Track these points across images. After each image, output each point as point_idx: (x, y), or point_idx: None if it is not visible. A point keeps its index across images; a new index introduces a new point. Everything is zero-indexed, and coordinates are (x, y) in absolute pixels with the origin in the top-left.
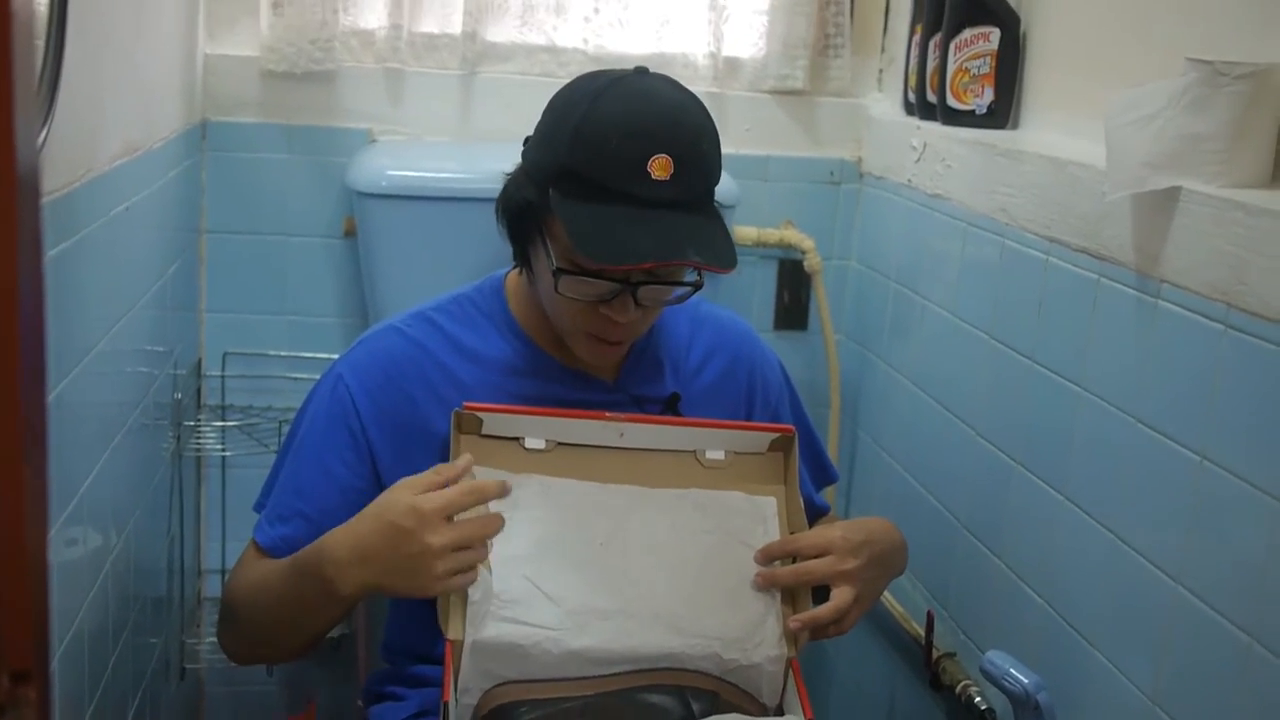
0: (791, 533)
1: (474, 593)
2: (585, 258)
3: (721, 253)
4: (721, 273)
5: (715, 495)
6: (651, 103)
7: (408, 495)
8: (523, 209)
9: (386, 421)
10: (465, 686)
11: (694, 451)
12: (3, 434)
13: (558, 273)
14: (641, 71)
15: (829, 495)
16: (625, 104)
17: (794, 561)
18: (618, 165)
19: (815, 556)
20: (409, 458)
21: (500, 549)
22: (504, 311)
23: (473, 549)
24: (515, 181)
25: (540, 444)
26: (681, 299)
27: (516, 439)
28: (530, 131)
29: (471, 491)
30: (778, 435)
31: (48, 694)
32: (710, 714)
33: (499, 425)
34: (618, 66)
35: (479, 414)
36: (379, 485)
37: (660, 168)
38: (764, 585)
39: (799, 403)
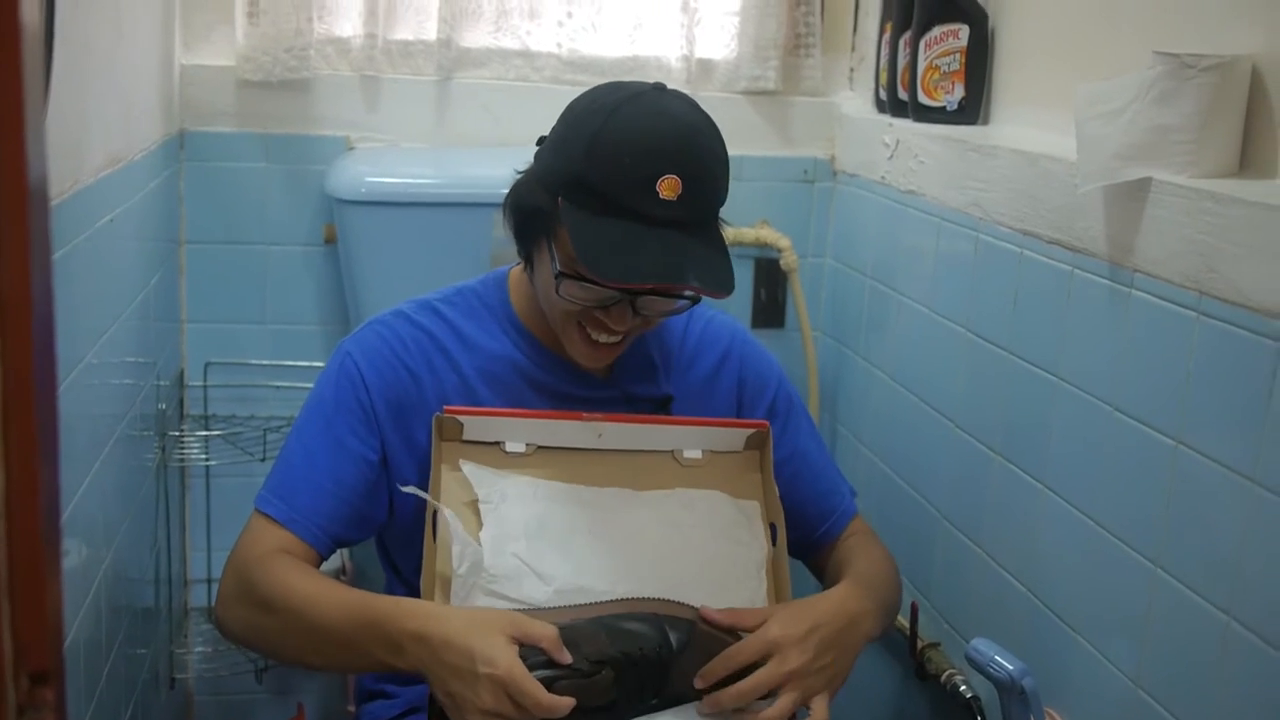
0: (771, 524)
1: (460, 566)
2: (588, 270)
3: (721, 277)
4: (718, 297)
5: (701, 494)
6: (667, 122)
7: (503, 670)
8: (531, 213)
9: (392, 397)
10: None
11: (672, 451)
12: (20, 439)
13: (560, 277)
14: (660, 88)
15: (859, 523)
16: (641, 121)
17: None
18: (628, 182)
19: (757, 659)
20: (410, 436)
21: (491, 530)
22: (505, 305)
23: None
24: (526, 184)
25: (520, 448)
26: (678, 311)
27: (497, 443)
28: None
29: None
30: (754, 431)
31: (64, 696)
32: (686, 644)
33: (479, 430)
34: (626, 79)
35: (459, 418)
36: (386, 458)
37: (669, 188)
38: (711, 712)
39: (804, 421)
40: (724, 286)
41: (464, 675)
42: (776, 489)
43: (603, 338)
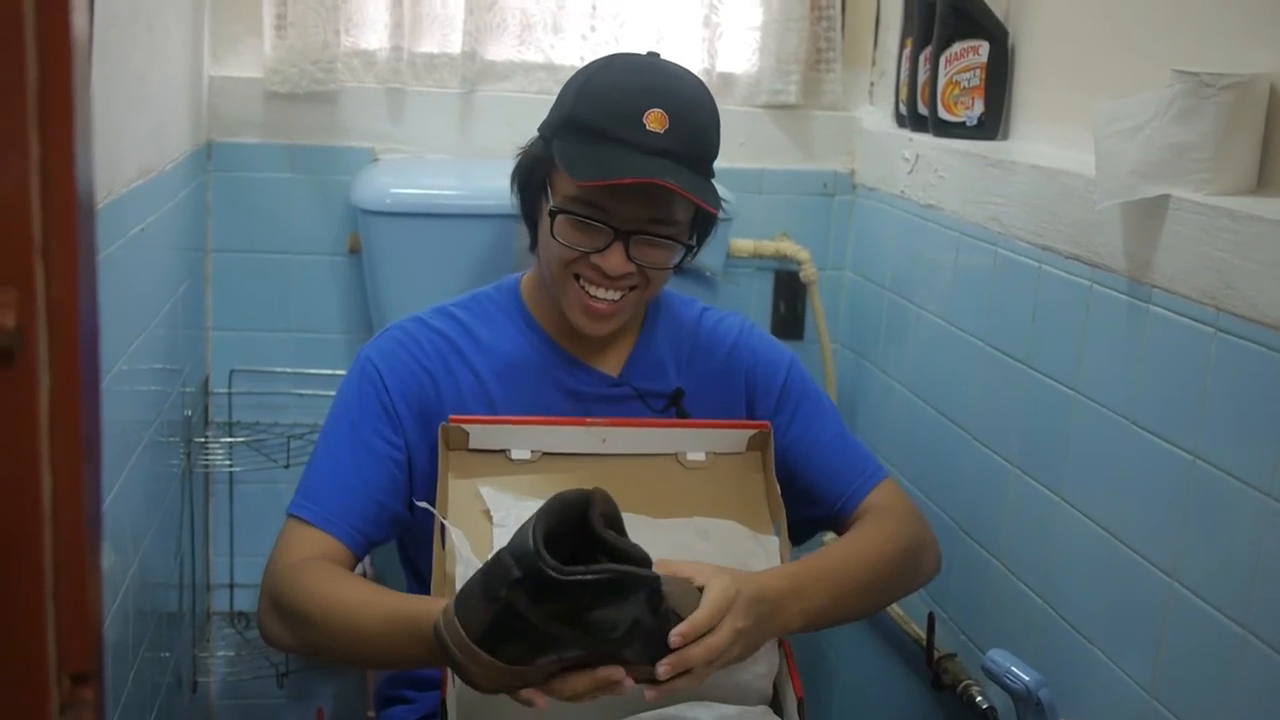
0: (775, 523)
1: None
2: (575, 183)
3: (708, 196)
4: (707, 209)
5: (719, 523)
6: (657, 69)
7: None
8: (530, 164)
9: (412, 398)
10: (461, 685)
11: (675, 454)
12: (66, 445)
13: (554, 212)
14: (654, 54)
15: (887, 490)
16: (632, 68)
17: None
18: (615, 113)
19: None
20: (432, 436)
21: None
22: (519, 305)
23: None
24: (528, 145)
25: (526, 454)
26: (673, 262)
27: (503, 451)
28: None
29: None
30: (755, 432)
31: (103, 695)
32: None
33: (485, 438)
34: None
35: (465, 427)
36: (410, 458)
37: (656, 120)
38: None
39: (817, 404)
40: (711, 202)
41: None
42: (778, 488)
43: (600, 293)
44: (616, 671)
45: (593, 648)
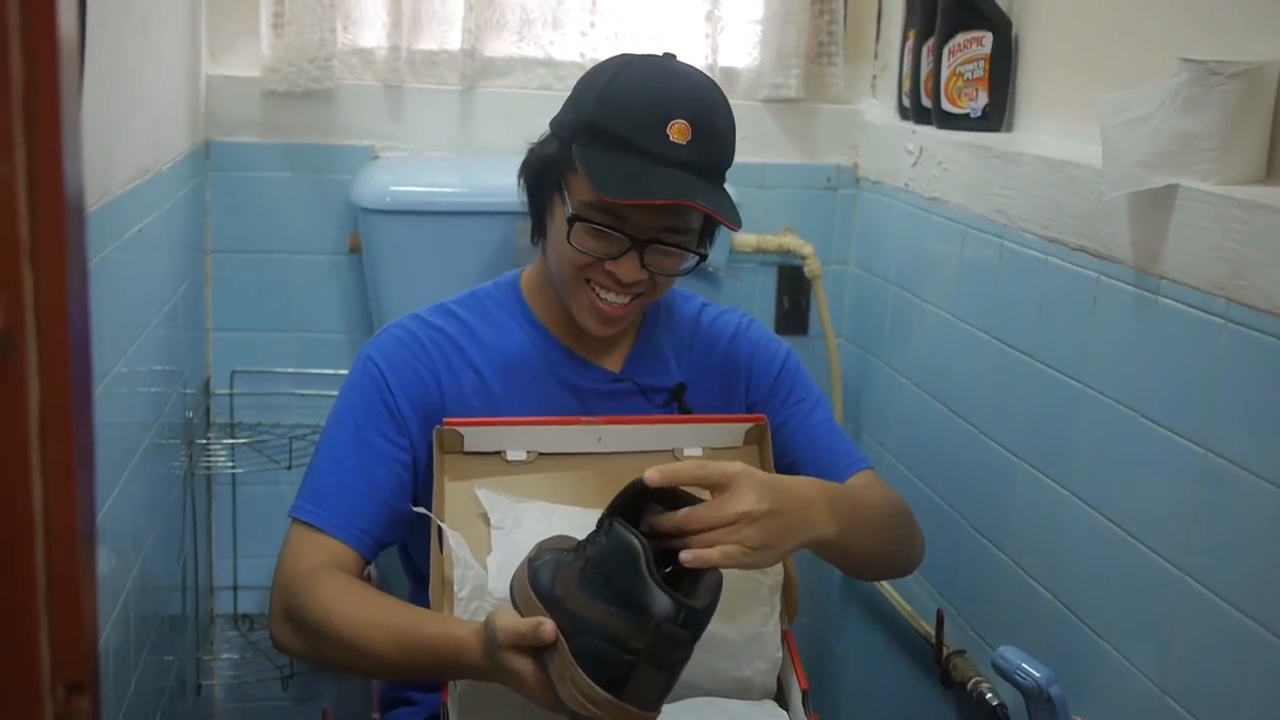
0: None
1: (461, 589)
2: (599, 195)
3: (729, 212)
4: (730, 226)
5: None
6: (677, 76)
7: (533, 684)
8: (544, 164)
9: (415, 397)
10: (462, 688)
11: (672, 451)
12: (58, 452)
13: (572, 219)
14: (670, 55)
15: (869, 476)
16: (652, 73)
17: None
18: (639, 123)
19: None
20: (431, 432)
21: (499, 555)
22: (519, 302)
23: None
24: (539, 143)
25: (521, 455)
26: (686, 270)
27: (498, 453)
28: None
29: None
30: (752, 425)
31: (99, 705)
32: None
33: (479, 440)
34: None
35: (459, 429)
36: (415, 457)
37: (679, 131)
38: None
39: (808, 393)
40: (733, 217)
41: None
42: None
43: (611, 296)
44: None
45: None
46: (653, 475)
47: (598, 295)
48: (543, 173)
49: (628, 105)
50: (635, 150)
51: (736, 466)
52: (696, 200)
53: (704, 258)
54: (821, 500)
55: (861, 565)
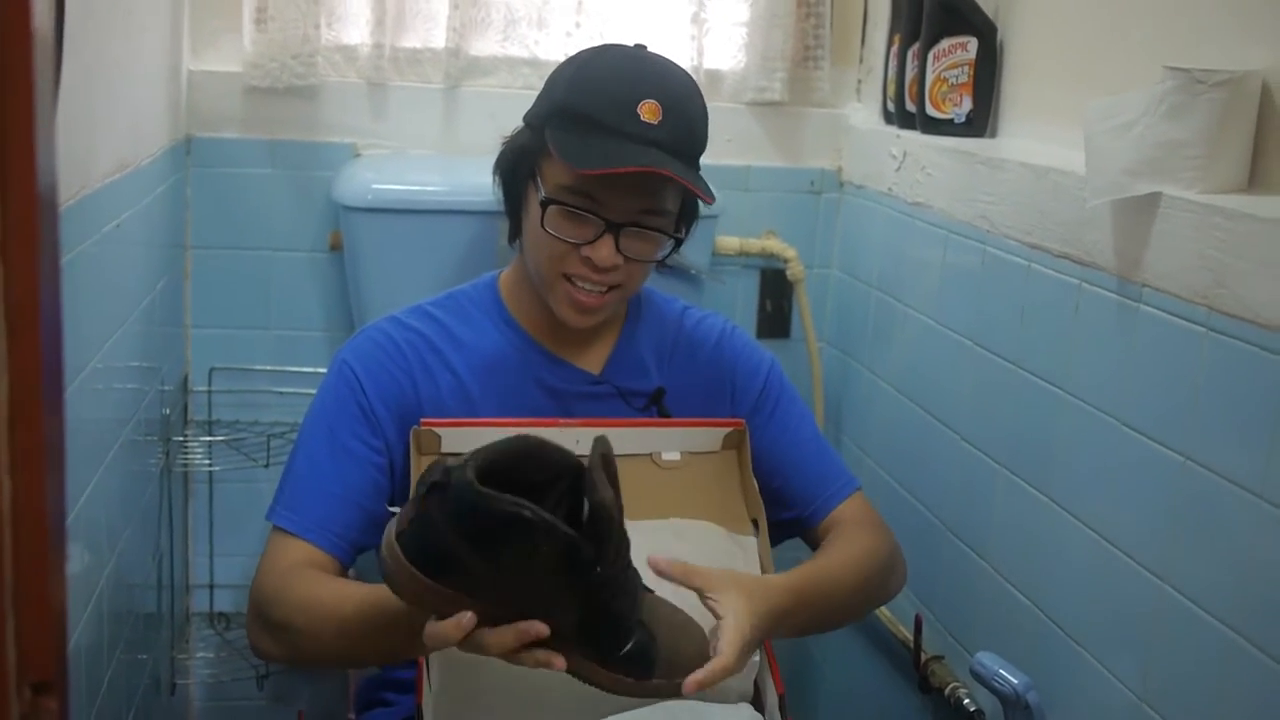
0: (754, 521)
1: None
2: (572, 170)
3: (702, 186)
4: (704, 199)
5: (695, 524)
6: (648, 61)
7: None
8: (518, 155)
9: (391, 400)
10: (437, 690)
11: (650, 454)
12: (26, 448)
13: (546, 203)
14: (641, 46)
15: (858, 502)
16: (624, 58)
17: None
18: (610, 103)
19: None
20: (409, 436)
21: None
22: (497, 303)
23: None
24: (512, 136)
25: None
26: (662, 256)
27: None
28: None
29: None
30: (730, 430)
31: (66, 705)
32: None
33: (457, 441)
34: None
35: (436, 430)
36: (391, 460)
37: (650, 111)
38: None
39: (794, 407)
40: (707, 191)
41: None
42: (756, 485)
43: (588, 285)
44: (536, 626)
45: (509, 600)
46: (658, 562)
47: (575, 286)
48: (517, 164)
49: (599, 87)
50: (607, 129)
51: (727, 619)
52: (670, 168)
53: (680, 242)
54: (796, 610)
55: (829, 630)
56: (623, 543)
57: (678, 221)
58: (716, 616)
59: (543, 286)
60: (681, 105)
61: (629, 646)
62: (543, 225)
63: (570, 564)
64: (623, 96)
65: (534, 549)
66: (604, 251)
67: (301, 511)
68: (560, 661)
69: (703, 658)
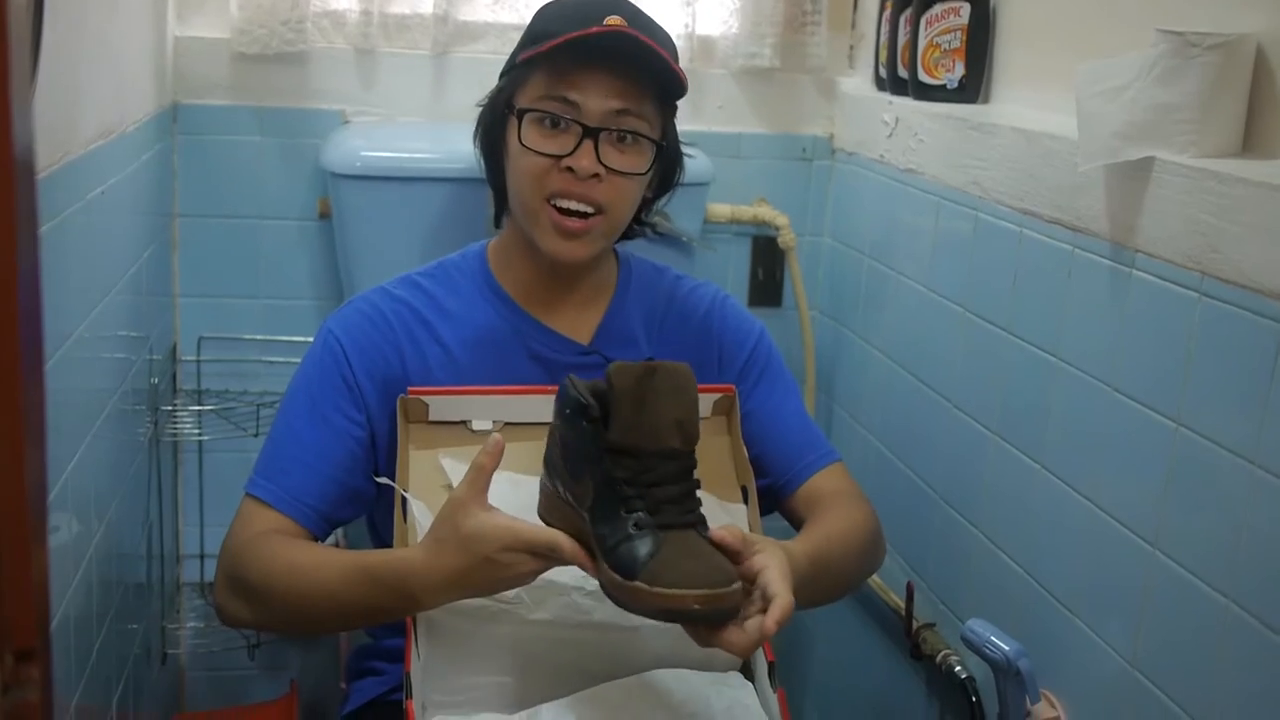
0: (743, 488)
1: None
2: (540, 83)
3: (671, 51)
4: (675, 69)
5: None
6: None
7: (495, 530)
8: (492, 102)
9: (376, 372)
10: (425, 658)
11: None
12: (6, 416)
13: (522, 112)
14: None
15: (838, 472)
16: None
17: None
18: (576, 17)
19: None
20: (394, 409)
21: None
22: (486, 273)
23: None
24: (489, 95)
25: (487, 425)
26: (644, 172)
27: (463, 422)
28: None
29: (550, 546)
30: (720, 396)
31: (50, 673)
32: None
33: (444, 409)
34: None
35: (424, 399)
36: (373, 433)
37: (616, 24)
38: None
39: (780, 378)
40: (674, 56)
41: (495, 575)
42: (745, 451)
43: (572, 204)
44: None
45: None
46: (721, 533)
47: (559, 209)
48: (492, 108)
49: (565, 11)
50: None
51: (770, 567)
52: (636, 32)
53: (662, 148)
54: (815, 577)
55: (829, 601)
56: (636, 416)
57: (658, 147)
58: (755, 570)
59: (528, 221)
60: (646, 21)
61: (620, 543)
62: (520, 140)
63: (588, 424)
64: (589, 13)
65: (568, 413)
66: (585, 159)
67: (277, 481)
68: (581, 556)
69: (707, 576)
